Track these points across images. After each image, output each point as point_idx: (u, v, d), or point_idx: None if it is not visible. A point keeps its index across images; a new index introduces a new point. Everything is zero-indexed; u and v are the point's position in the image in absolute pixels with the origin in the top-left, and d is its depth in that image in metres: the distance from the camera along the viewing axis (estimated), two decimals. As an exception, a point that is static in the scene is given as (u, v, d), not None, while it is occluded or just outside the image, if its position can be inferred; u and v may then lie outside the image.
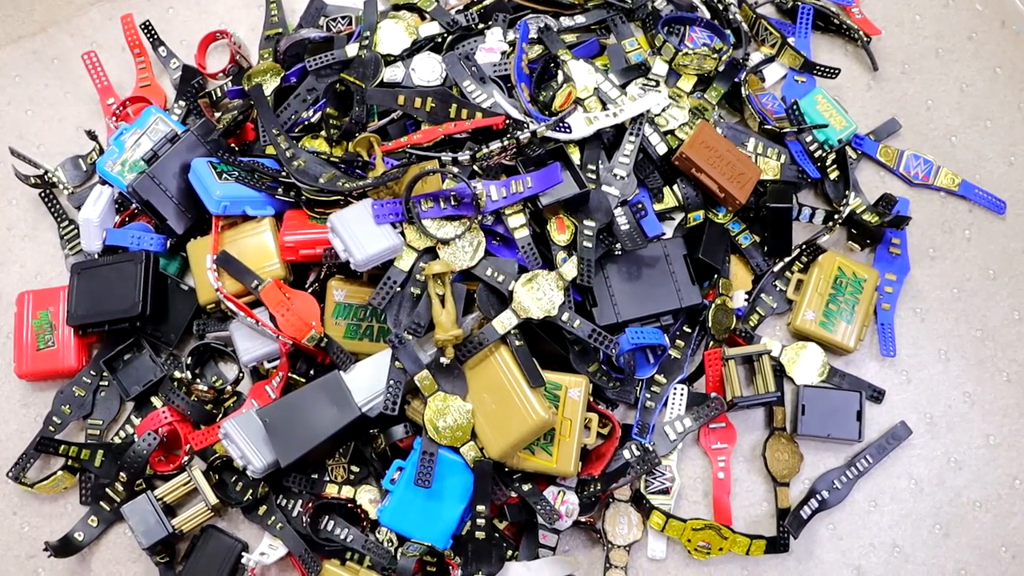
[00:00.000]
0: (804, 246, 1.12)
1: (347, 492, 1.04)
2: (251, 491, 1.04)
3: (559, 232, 1.01)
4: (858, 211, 1.15)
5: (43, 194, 1.20)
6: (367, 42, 1.12)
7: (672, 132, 1.10)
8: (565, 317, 0.98)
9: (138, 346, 1.12)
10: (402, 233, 1.00)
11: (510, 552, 1.03)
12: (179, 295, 1.12)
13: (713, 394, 1.08)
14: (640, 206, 1.06)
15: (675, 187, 1.09)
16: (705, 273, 1.08)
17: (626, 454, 1.04)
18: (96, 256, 1.12)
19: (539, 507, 0.98)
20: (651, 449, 1.04)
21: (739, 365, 1.10)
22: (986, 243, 1.18)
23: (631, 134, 1.06)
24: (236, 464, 1.00)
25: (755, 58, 1.21)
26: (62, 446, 1.05)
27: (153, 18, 1.27)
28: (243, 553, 1.05)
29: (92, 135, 1.19)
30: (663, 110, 1.10)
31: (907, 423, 1.10)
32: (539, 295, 0.97)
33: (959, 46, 1.26)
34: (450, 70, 1.10)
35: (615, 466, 1.04)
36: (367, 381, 1.00)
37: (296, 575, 1.06)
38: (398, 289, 0.99)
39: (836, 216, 1.12)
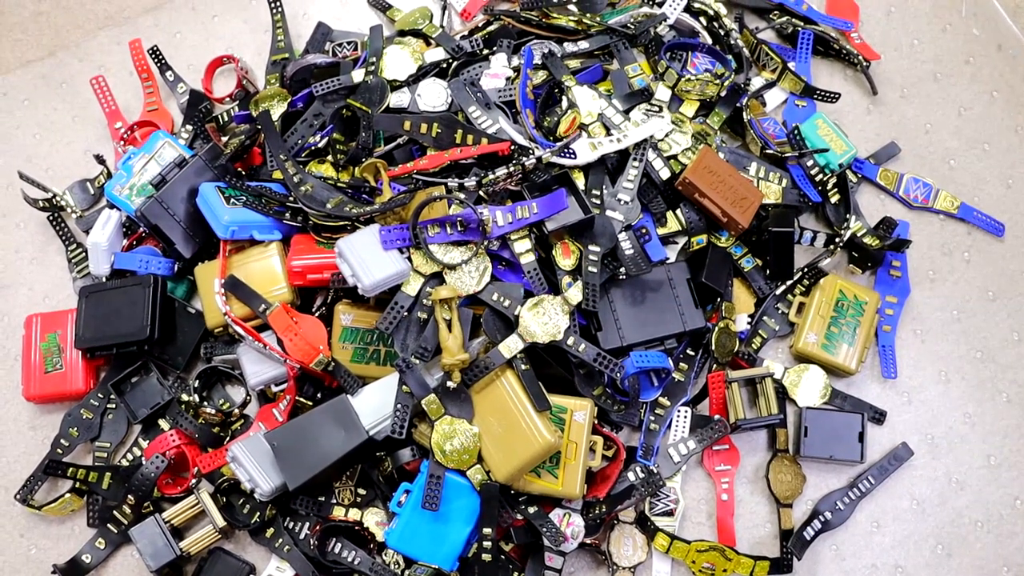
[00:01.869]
0: (806, 269, 1.13)
1: (354, 515, 1.04)
2: (258, 514, 1.05)
3: (564, 257, 1.02)
4: (859, 234, 1.16)
5: (51, 217, 1.21)
6: (373, 68, 1.13)
7: (675, 157, 1.11)
8: (570, 341, 0.98)
9: (146, 369, 1.13)
10: (409, 258, 1.00)
11: (516, 574, 1.03)
12: (187, 319, 1.13)
13: (716, 416, 1.09)
14: (644, 231, 1.07)
15: (678, 211, 1.10)
16: (708, 297, 1.09)
17: (631, 476, 1.05)
18: (104, 279, 1.13)
19: (545, 529, 0.99)
20: (655, 471, 1.05)
21: (742, 388, 1.11)
22: (985, 265, 1.19)
23: (635, 159, 1.07)
24: (244, 487, 1.00)
25: (756, 83, 1.22)
26: (70, 469, 1.06)
27: (161, 43, 1.28)
28: (250, 575, 1.06)
29: (100, 159, 1.20)
30: (666, 135, 1.12)
31: (908, 444, 1.11)
32: (545, 320, 0.98)
33: (957, 70, 1.28)
34: (455, 96, 1.11)
35: (620, 488, 1.05)
36: (374, 405, 1.01)
37: (303, 597, 1.06)
38: (405, 314, 1.00)
39: (837, 239, 1.13)
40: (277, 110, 1.15)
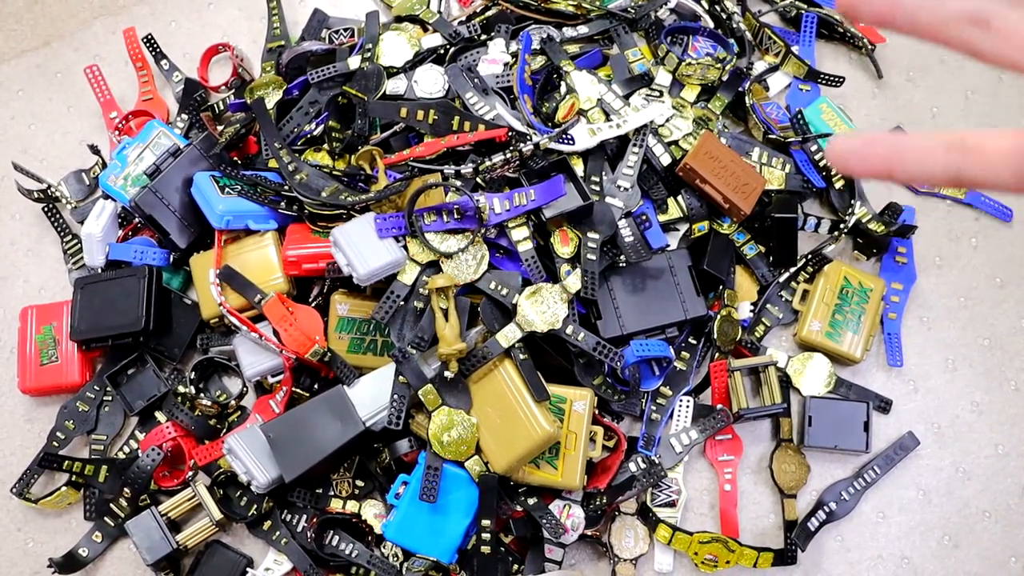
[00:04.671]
0: (810, 256, 1.12)
1: (352, 507, 1.04)
2: (255, 506, 1.04)
3: (563, 244, 1.00)
4: (864, 220, 1.14)
5: (46, 208, 1.20)
6: (369, 54, 1.12)
7: (676, 143, 1.09)
8: (569, 330, 0.97)
9: (142, 361, 1.12)
10: (405, 247, 0.99)
11: (516, 566, 1.02)
12: (182, 309, 1.12)
13: (719, 406, 1.07)
14: (644, 217, 1.05)
15: (679, 198, 1.09)
16: (710, 284, 1.08)
17: (632, 467, 1.04)
18: (99, 271, 1.12)
19: (545, 521, 0.98)
20: (657, 462, 1.04)
21: (745, 376, 1.09)
22: (993, 251, 1.17)
23: (635, 145, 1.06)
24: (240, 479, 0.99)
25: (759, 67, 1.20)
26: (66, 462, 1.05)
27: (156, 31, 1.27)
28: (248, 568, 1.05)
29: (95, 149, 1.19)
30: (667, 120, 1.10)
31: (915, 433, 1.09)
32: (543, 308, 0.97)
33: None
34: (452, 82, 1.09)
35: (621, 479, 1.03)
36: (371, 395, 1.00)
37: (301, 590, 1.05)
38: (401, 303, 0.99)
39: (842, 226, 1.12)
40: (272, 98, 1.13)
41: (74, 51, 1.31)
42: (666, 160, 1.07)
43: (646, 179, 1.07)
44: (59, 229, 1.20)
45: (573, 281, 0.98)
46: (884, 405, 1.10)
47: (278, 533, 1.04)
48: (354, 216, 1.01)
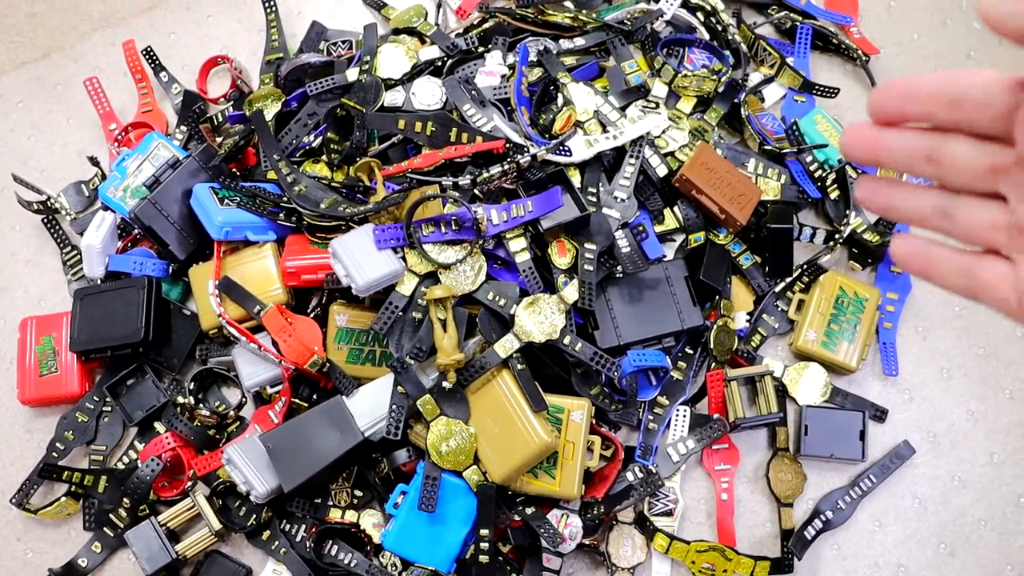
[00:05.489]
0: (805, 266, 1.12)
1: (350, 517, 1.04)
2: (254, 516, 1.04)
3: (560, 255, 1.01)
4: (859, 230, 1.15)
5: (46, 220, 1.21)
6: (367, 66, 1.13)
7: (672, 154, 1.10)
8: (567, 340, 0.98)
9: (141, 372, 1.13)
10: (403, 258, 1.00)
11: (514, 576, 1.03)
12: (181, 320, 1.12)
13: (716, 415, 1.08)
14: (641, 228, 1.06)
15: (676, 209, 1.09)
16: (706, 294, 1.08)
17: (629, 476, 1.04)
18: (99, 282, 1.13)
19: (543, 530, 0.98)
20: (654, 471, 1.04)
21: (741, 386, 1.10)
22: (987, 261, 1.18)
23: (631, 156, 1.06)
24: (239, 489, 1.00)
25: (754, 79, 1.21)
26: (65, 472, 1.05)
27: (155, 43, 1.28)
28: (247, 578, 1.05)
29: (94, 161, 1.19)
30: (663, 132, 1.11)
31: (910, 442, 1.10)
32: (541, 319, 0.97)
33: (958, 64, 1.27)
34: (450, 94, 1.10)
35: (618, 488, 1.04)
36: (370, 406, 1.00)
37: (300, 600, 1.05)
38: (400, 314, 0.99)
39: (837, 236, 1.12)
40: (271, 110, 1.14)
41: (73, 63, 1.32)
42: (662, 171, 1.08)
43: (642, 190, 1.08)
44: (59, 240, 1.21)
45: (570, 292, 0.98)
46: (880, 414, 1.11)
47: (277, 543, 1.04)
48: (353, 227, 1.02)
